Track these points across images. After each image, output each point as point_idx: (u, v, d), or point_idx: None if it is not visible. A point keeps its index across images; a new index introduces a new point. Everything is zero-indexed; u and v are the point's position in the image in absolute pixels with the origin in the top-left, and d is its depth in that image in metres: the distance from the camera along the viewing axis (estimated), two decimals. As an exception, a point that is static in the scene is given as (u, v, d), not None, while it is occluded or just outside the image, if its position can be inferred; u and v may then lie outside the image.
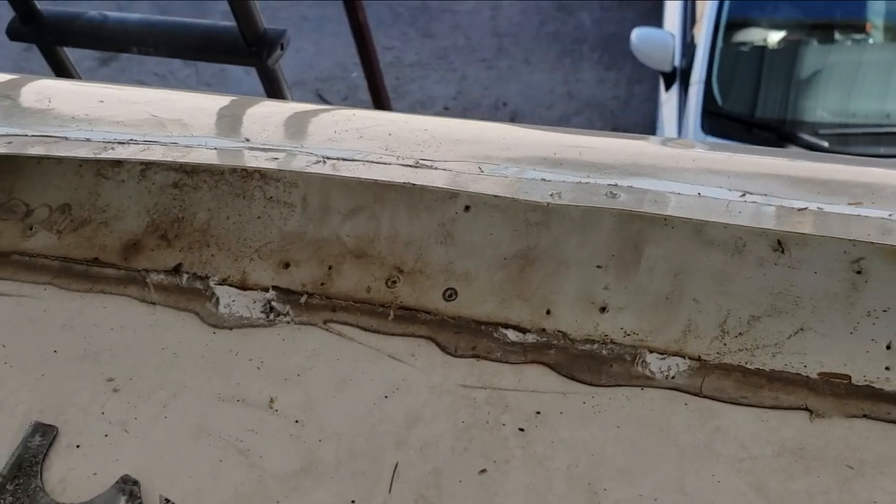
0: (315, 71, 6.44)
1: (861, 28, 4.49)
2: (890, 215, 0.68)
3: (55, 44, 1.89)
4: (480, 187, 0.75)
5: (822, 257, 0.73)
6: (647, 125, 5.56)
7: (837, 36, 4.47)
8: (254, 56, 1.68)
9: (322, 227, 0.87)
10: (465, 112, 6.12)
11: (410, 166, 0.81)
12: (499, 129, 0.93)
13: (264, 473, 0.74)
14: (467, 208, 0.82)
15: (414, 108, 6.11)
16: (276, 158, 0.84)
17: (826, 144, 4.02)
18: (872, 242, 0.65)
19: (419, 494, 0.70)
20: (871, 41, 4.48)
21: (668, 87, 4.76)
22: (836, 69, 4.34)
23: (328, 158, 0.84)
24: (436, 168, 0.80)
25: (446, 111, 6.16)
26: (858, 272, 0.72)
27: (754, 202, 0.71)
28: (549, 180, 0.75)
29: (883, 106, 4.25)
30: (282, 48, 1.69)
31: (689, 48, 4.62)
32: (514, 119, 5.99)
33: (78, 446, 0.78)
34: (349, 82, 6.31)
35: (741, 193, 0.72)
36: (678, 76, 4.66)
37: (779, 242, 0.73)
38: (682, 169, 0.78)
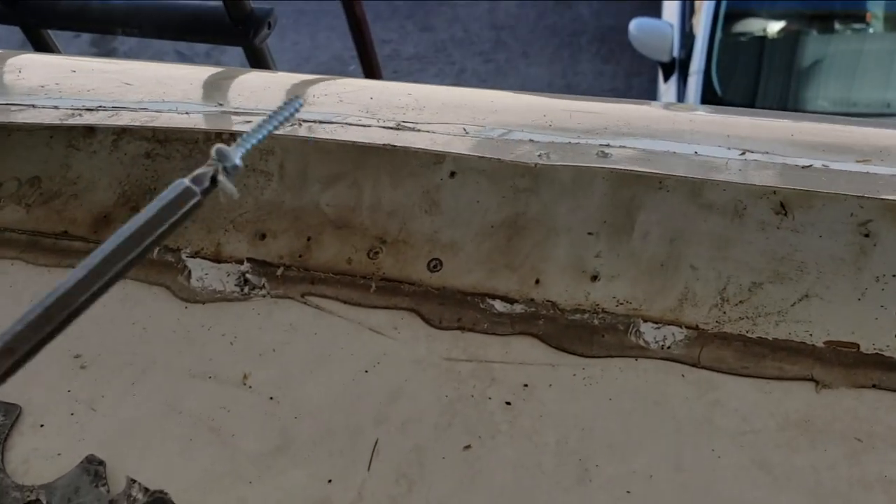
0: (312, 65, 6.39)
1: (861, 18, 4.45)
2: (900, 172, 0.64)
3: (39, 26, 1.85)
4: (465, 148, 0.71)
5: (828, 220, 0.68)
6: (646, 117, 5.51)
7: (837, 26, 4.43)
8: (240, 35, 1.63)
9: (300, 195, 0.83)
10: (463, 105, 6.06)
11: (391, 128, 0.77)
12: (486, 93, 0.89)
13: (236, 452, 0.70)
14: (453, 174, 0.78)
15: (412, 103, 6.06)
16: (250, 122, 0.80)
17: (827, 135, 3.98)
18: (883, 199, 0.61)
19: (400, 473, 0.66)
20: (871, 31, 4.44)
21: (666, 78, 4.72)
22: (837, 59, 4.30)
23: (304, 121, 0.79)
24: (418, 130, 0.76)
25: (444, 105, 6.10)
26: (866, 235, 0.68)
27: (755, 160, 0.66)
28: (538, 141, 0.71)
29: (884, 95, 4.22)
30: (269, 27, 1.64)
31: (687, 38, 4.58)
32: (512, 112, 5.93)
33: (42, 425, 0.74)
34: (346, 76, 6.26)
35: (741, 152, 0.67)
36: (677, 66, 4.62)
37: (781, 205, 0.69)
38: (679, 130, 0.73)
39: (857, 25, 4.44)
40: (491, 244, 0.76)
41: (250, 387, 0.73)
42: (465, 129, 0.74)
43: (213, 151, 0.48)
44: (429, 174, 0.78)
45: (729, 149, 0.68)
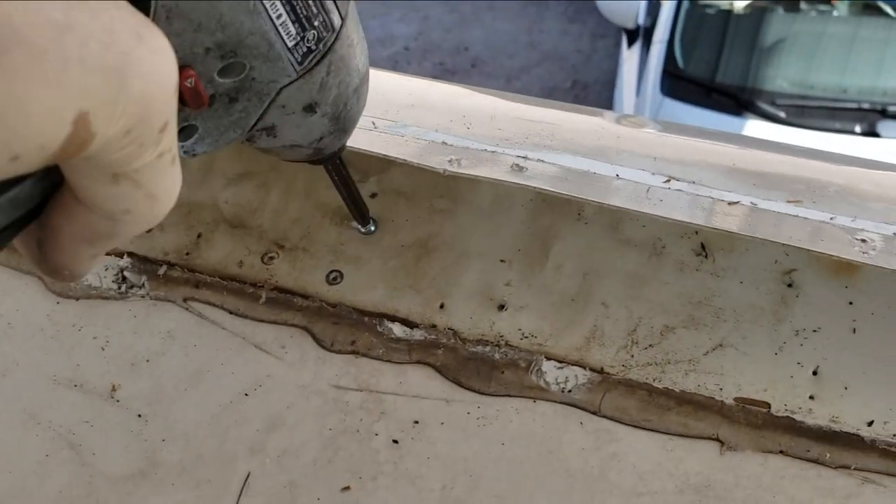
0: (271, 1, 6.16)
1: (826, -1, 4.41)
2: (831, 219, 0.59)
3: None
4: (370, 144, 0.64)
5: (750, 266, 0.64)
6: (608, 81, 5.46)
7: (803, 5, 4.38)
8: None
9: (199, 189, 0.76)
10: (426, 54, 5.94)
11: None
12: (403, 82, 0.82)
13: (96, 474, 0.64)
14: (374, 195, 0.71)
15: (374, 47, 5.92)
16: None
17: (783, 115, 3.98)
18: (807, 249, 0.56)
19: (270, 511, 0.61)
20: (835, 13, 4.41)
21: (630, 45, 4.66)
22: (799, 40, 4.27)
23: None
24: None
25: (406, 52, 5.97)
26: (789, 285, 0.63)
27: (679, 189, 0.61)
28: (451, 145, 0.65)
29: (840, 80, 4.20)
30: None
31: (654, 6, 4.51)
32: (475, 66, 5.84)
33: None
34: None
35: (666, 179, 0.62)
36: (641, 34, 4.56)
37: (702, 246, 0.64)
38: (604, 147, 0.67)
39: (822, 7, 4.40)
40: (398, 262, 0.70)
41: (118, 400, 0.67)
42: (373, 123, 0.67)
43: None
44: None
45: (653, 174, 0.63)
